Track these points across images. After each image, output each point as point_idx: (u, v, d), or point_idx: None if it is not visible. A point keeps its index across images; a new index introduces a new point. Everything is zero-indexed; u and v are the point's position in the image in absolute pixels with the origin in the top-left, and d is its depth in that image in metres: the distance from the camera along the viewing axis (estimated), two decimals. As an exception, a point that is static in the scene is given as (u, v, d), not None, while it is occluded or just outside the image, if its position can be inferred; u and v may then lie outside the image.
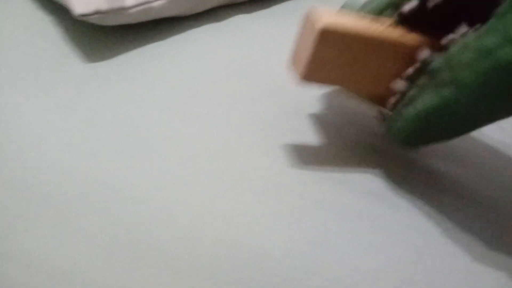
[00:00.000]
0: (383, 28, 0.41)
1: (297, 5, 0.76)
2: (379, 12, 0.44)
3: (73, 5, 0.53)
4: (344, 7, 0.48)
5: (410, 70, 0.42)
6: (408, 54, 0.43)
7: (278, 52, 0.64)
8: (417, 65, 0.41)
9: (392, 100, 0.44)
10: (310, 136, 0.52)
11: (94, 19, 0.54)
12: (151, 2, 0.59)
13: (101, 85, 0.53)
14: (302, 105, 0.56)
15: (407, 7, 0.42)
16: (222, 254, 0.40)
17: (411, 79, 0.42)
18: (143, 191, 0.43)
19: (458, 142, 0.56)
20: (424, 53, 0.41)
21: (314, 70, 0.42)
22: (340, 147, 0.52)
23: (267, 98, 0.56)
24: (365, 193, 0.48)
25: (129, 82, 0.54)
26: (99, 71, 0.55)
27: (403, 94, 0.43)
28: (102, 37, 0.60)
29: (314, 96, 0.57)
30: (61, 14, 0.63)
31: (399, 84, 0.43)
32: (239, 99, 0.55)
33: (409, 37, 0.42)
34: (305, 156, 0.50)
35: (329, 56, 0.41)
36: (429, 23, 0.43)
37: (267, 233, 0.42)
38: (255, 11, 0.72)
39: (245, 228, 0.42)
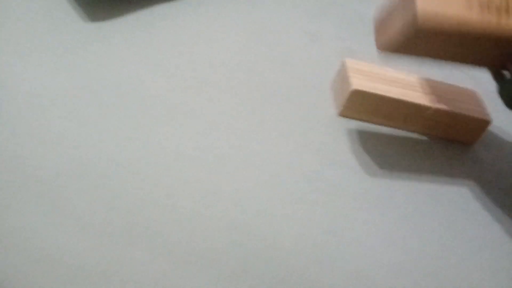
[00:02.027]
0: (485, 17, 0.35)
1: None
2: None
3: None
4: None
5: None
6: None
7: (300, 18, 0.59)
8: None
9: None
10: (323, 112, 0.48)
11: (98, -26, 0.49)
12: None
13: (104, 47, 0.49)
14: (322, 77, 0.51)
15: None
16: (226, 242, 0.36)
17: None
18: (143, 167, 0.39)
19: None
20: None
21: (401, 50, 0.37)
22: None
23: (285, 68, 0.51)
24: (382, 179, 0.43)
25: (135, 44, 0.50)
26: (103, 32, 0.50)
27: None
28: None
29: (335, 71, 0.52)
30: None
31: None
32: (253, 68, 0.50)
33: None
34: (319, 134, 0.46)
35: (423, 44, 0.36)
36: None
37: (278, 219, 0.38)
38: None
39: (254, 213, 0.38)
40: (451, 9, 0.33)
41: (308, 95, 0.49)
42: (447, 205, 0.43)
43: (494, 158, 0.49)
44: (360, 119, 0.47)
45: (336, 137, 0.46)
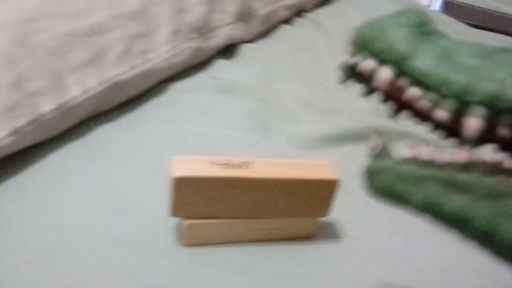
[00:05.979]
0: (231, 169, 0.48)
1: (161, 105, 0.74)
2: None
3: None
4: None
5: None
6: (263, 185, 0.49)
7: (146, 162, 0.62)
8: None
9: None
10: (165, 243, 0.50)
11: None
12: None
13: None
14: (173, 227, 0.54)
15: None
16: None
17: None
18: None
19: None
20: None
21: (180, 208, 0.49)
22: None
23: (135, 220, 0.53)
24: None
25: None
26: None
27: None
28: None
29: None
30: None
31: None
32: (105, 225, 0.52)
33: (259, 173, 0.49)
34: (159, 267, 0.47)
35: (190, 196, 0.48)
36: None
37: None
38: (119, 118, 0.70)
39: None
40: (200, 171, 0.48)
41: (151, 228, 0.51)
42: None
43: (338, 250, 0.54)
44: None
45: (180, 269, 0.47)
